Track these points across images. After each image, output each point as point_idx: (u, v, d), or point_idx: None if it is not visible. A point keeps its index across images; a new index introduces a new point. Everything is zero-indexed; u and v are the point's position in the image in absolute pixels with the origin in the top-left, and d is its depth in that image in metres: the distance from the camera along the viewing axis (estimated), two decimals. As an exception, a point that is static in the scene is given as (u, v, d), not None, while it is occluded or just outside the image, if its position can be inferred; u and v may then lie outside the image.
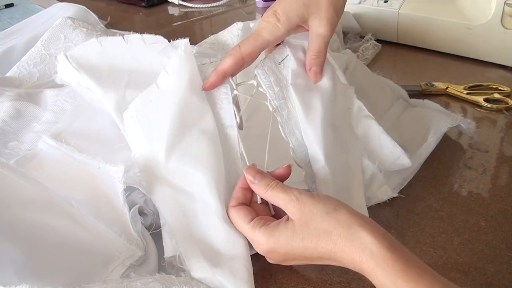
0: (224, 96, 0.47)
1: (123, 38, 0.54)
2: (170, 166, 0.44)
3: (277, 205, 0.39)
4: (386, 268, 0.32)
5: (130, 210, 0.42)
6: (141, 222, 0.43)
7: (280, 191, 0.38)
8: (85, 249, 0.39)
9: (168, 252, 0.40)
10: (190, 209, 0.43)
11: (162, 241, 0.42)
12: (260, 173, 0.41)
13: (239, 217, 0.40)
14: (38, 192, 0.40)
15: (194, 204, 0.43)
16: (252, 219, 0.39)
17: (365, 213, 0.46)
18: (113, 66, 0.52)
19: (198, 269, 0.39)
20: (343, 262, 0.35)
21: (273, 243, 0.37)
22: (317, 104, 0.45)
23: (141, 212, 0.44)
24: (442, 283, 0.31)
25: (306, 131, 0.44)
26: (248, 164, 0.44)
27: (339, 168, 0.46)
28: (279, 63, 0.46)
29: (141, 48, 0.53)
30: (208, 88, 0.47)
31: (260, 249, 0.39)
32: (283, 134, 0.44)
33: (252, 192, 0.42)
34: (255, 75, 0.45)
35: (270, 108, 0.45)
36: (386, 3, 0.86)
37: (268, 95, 0.44)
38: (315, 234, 0.35)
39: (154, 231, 0.43)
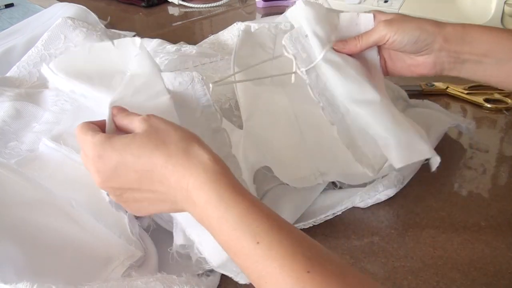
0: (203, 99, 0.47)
1: (112, 42, 0.53)
2: None
3: (125, 127, 0.37)
4: (216, 181, 0.32)
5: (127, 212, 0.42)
6: (138, 225, 0.43)
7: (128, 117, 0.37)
8: (85, 249, 0.39)
9: (178, 240, 0.40)
10: None
11: (161, 242, 0.42)
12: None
13: (84, 127, 0.37)
14: (39, 193, 0.40)
15: None
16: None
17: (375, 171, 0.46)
18: (103, 70, 0.51)
19: (216, 257, 0.39)
20: (171, 182, 0.33)
21: (108, 144, 0.34)
22: (348, 69, 0.47)
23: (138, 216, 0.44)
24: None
25: (337, 89, 0.46)
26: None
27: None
28: (306, 36, 0.49)
29: (129, 50, 0.53)
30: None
31: (91, 150, 0.35)
32: (312, 95, 0.46)
33: None
34: (283, 44, 0.48)
35: (299, 72, 0.47)
36: (386, 3, 0.86)
37: (294, 61, 0.47)
38: (154, 144, 0.34)
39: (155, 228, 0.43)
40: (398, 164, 0.44)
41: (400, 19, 0.47)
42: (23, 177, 0.40)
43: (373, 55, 0.50)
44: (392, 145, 0.44)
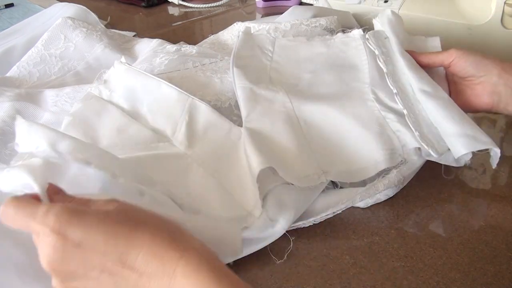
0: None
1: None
2: None
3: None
4: (212, 268, 0.28)
5: None
6: None
7: None
8: None
9: None
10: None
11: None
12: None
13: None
14: None
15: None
16: None
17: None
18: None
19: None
20: (148, 268, 0.28)
21: (75, 216, 0.28)
22: (420, 69, 0.56)
23: None
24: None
25: (410, 81, 0.54)
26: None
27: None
28: (386, 38, 0.59)
29: None
30: None
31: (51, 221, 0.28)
32: (389, 83, 0.54)
33: None
34: (367, 38, 0.60)
35: (381, 62, 0.56)
36: (386, 3, 0.86)
37: (376, 52, 0.57)
38: (132, 223, 0.29)
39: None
40: (462, 151, 0.47)
41: (469, 50, 0.54)
42: None
43: (443, 83, 0.57)
44: (456, 134, 0.48)
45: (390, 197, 0.50)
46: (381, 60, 0.56)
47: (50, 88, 0.62)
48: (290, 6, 0.86)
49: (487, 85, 0.52)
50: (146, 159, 0.48)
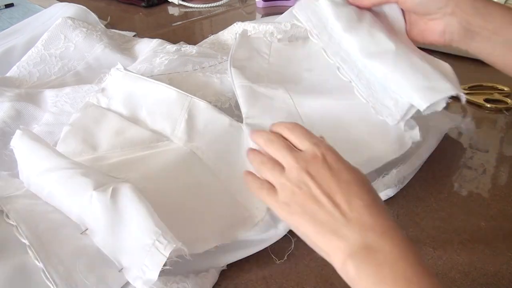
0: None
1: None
2: None
3: None
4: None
5: None
6: None
7: None
8: None
9: None
10: None
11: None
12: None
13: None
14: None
15: None
16: None
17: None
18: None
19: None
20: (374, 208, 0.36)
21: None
22: (360, 23, 0.49)
23: None
24: None
25: (352, 46, 0.48)
26: None
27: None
28: (316, 1, 0.52)
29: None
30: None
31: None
32: (326, 57, 0.50)
33: None
34: (293, 13, 0.53)
35: (313, 37, 0.50)
36: (386, 3, 0.85)
37: (307, 27, 0.52)
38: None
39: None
40: (423, 105, 0.45)
41: None
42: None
43: (398, 17, 0.52)
44: (413, 89, 0.45)
45: (390, 197, 0.49)
46: (313, 35, 0.51)
47: (50, 88, 0.62)
48: (290, 6, 0.86)
49: (440, 22, 0.48)
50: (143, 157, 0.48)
